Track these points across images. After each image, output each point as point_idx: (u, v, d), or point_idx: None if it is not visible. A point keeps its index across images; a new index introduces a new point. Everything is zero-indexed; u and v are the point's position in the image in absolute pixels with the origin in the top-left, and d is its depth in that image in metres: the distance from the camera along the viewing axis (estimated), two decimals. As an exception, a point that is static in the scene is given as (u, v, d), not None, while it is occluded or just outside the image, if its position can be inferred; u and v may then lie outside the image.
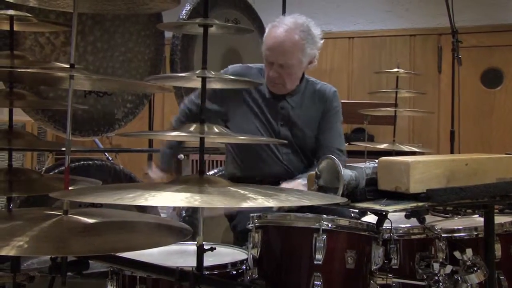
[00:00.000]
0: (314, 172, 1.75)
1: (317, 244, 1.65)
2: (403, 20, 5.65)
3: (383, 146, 3.26)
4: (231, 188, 1.40)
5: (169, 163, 2.62)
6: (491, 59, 5.38)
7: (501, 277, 1.94)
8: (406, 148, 3.23)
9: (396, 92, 3.20)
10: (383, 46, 5.70)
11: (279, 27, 2.34)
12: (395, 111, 3.23)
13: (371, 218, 1.91)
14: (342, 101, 4.82)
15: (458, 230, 1.98)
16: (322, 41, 2.42)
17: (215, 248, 1.58)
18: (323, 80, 2.65)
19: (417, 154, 3.60)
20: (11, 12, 1.81)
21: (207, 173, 3.69)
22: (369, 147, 3.59)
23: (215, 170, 3.60)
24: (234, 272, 1.84)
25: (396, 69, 3.16)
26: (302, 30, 2.32)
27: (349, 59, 5.80)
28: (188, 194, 1.30)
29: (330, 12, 5.83)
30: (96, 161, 2.97)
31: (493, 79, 5.39)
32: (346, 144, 4.73)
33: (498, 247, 1.93)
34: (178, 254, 2.01)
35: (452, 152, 3.68)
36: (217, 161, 4.79)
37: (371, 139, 5.20)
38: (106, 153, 3.68)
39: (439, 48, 5.46)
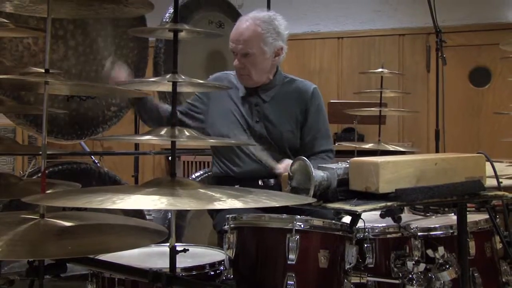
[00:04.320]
0: (287, 173, 1.77)
1: (290, 244, 1.67)
2: (392, 20, 5.69)
3: (368, 145, 3.29)
4: (200, 190, 1.43)
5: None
6: (479, 58, 5.41)
7: (475, 274, 1.96)
8: (391, 147, 3.25)
9: (381, 92, 3.23)
10: (372, 46, 5.73)
11: (242, 20, 2.46)
12: (380, 111, 3.26)
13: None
14: (331, 100, 4.87)
15: (434, 229, 2.00)
16: (287, 33, 2.49)
17: (187, 250, 1.60)
18: (312, 80, 2.68)
19: (406, 153, 3.64)
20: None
21: (193, 175, 3.72)
22: (356, 146, 3.61)
23: (201, 172, 3.62)
24: (212, 273, 1.87)
25: (380, 69, 3.19)
26: (263, 21, 2.42)
27: (338, 59, 5.83)
28: (156, 197, 1.33)
29: (319, 12, 5.86)
30: (80, 165, 2.99)
31: (481, 77, 5.42)
32: (336, 144, 4.75)
33: (472, 245, 1.96)
34: (158, 256, 2.03)
35: (437, 151, 3.70)
36: (204, 162, 4.81)
37: (361, 138, 5.22)
38: (92, 156, 3.70)
39: (428, 47, 5.49)
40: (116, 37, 2.91)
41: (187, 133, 1.49)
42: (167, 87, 1.53)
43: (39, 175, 2.74)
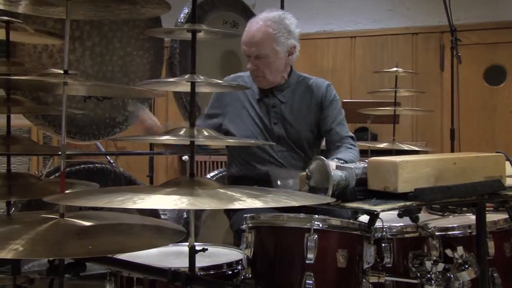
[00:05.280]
0: (305, 173, 1.77)
1: (308, 243, 1.67)
2: (405, 19, 5.66)
3: (383, 145, 3.28)
4: (220, 190, 1.43)
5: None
6: (494, 56, 5.36)
7: (495, 274, 1.95)
8: (406, 147, 3.24)
9: (395, 92, 3.22)
10: (385, 45, 5.71)
11: (253, 22, 2.45)
12: (394, 110, 3.25)
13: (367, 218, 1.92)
14: (344, 100, 4.86)
15: (452, 228, 2.00)
16: (298, 30, 2.49)
17: (206, 249, 1.61)
18: (325, 79, 2.67)
19: (420, 153, 3.62)
20: (7, 18, 1.85)
21: (208, 175, 3.73)
22: (370, 146, 3.60)
23: (216, 172, 3.62)
24: (230, 272, 1.87)
25: (395, 69, 3.18)
26: (274, 21, 2.41)
27: (351, 59, 5.81)
28: (176, 197, 1.33)
29: (332, 12, 5.84)
30: (96, 165, 3.01)
31: (496, 76, 5.38)
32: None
33: (491, 245, 1.95)
34: (175, 255, 2.04)
35: (452, 150, 3.68)
36: (218, 162, 4.82)
37: (374, 138, 5.20)
38: (107, 156, 3.72)
39: (441, 46, 5.45)
40: (132, 37, 2.93)
41: (205, 133, 1.50)
42: (185, 87, 1.54)
43: (57, 175, 2.76)
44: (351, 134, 2.54)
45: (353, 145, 2.50)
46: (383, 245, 1.87)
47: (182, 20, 3.06)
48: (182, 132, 1.48)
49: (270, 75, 2.45)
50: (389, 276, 1.84)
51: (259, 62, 2.41)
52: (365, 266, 1.74)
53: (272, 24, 2.40)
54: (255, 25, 2.41)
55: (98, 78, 2.80)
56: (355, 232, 1.75)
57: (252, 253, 1.76)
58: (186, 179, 1.49)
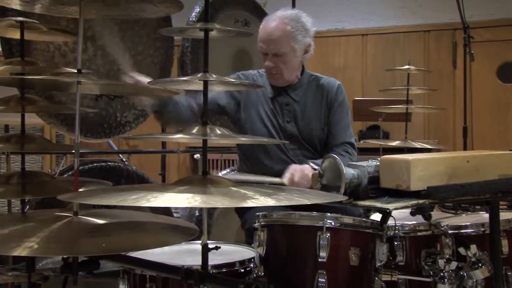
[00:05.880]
0: (317, 172, 1.77)
1: (321, 242, 1.67)
2: (417, 16, 5.62)
3: (395, 143, 3.27)
4: (232, 188, 1.43)
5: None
6: (507, 53, 5.31)
7: (509, 273, 1.94)
8: (418, 145, 3.23)
9: (408, 89, 3.21)
10: (396, 42, 5.68)
11: (269, 20, 2.44)
12: (406, 108, 3.23)
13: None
14: (356, 98, 4.85)
15: (465, 227, 1.99)
16: (314, 29, 2.49)
17: (219, 247, 1.61)
18: (336, 77, 2.67)
19: (433, 151, 3.60)
20: (21, 18, 1.87)
21: (220, 173, 3.73)
22: (381, 144, 3.59)
23: (227, 170, 3.63)
24: (242, 270, 1.88)
25: (407, 66, 3.17)
26: (291, 19, 2.41)
27: (362, 56, 5.78)
28: (189, 195, 1.34)
29: (343, 10, 5.82)
30: (109, 163, 3.03)
31: (510, 73, 5.32)
32: (360, 142, 4.70)
33: (505, 243, 1.94)
34: (188, 253, 2.05)
35: (465, 148, 3.66)
36: (230, 160, 4.83)
37: (386, 136, 5.17)
38: (120, 155, 3.74)
39: (454, 43, 5.41)
40: (143, 36, 2.95)
41: (218, 131, 1.50)
42: (197, 86, 1.54)
43: (70, 173, 2.78)
44: (351, 140, 2.52)
45: (349, 152, 2.47)
46: (396, 243, 1.87)
47: (194, 19, 3.07)
48: (195, 131, 1.49)
49: (286, 73, 2.45)
50: (402, 275, 1.83)
51: (277, 60, 2.41)
52: (378, 264, 1.74)
53: (290, 22, 2.40)
54: (272, 23, 2.41)
55: (109, 77, 2.81)
56: (368, 230, 1.75)
57: (264, 251, 1.77)
58: (198, 177, 1.49)
